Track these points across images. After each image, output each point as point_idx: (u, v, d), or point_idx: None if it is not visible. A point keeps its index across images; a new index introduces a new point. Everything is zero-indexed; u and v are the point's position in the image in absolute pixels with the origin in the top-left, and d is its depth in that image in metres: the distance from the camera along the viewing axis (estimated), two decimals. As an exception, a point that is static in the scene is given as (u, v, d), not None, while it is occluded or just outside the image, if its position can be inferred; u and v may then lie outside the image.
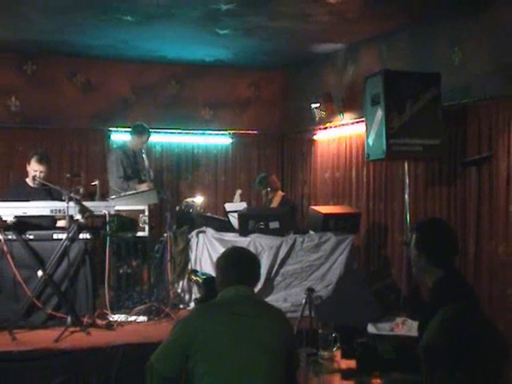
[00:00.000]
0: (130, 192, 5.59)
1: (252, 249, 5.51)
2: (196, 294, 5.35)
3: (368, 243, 6.52)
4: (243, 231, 5.66)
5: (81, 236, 5.00)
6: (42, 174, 5.27)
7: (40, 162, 5.26)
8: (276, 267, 5.56)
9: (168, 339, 2.49)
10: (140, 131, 6.15)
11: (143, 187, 5.87)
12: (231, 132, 7.98)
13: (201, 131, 7.83)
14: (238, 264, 2.59)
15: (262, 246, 5.56)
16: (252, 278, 2.62)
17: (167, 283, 5.44)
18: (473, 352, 2.00)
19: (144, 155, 6.19)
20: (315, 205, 6.91)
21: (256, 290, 5.21)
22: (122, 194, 5.52)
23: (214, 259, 5.46)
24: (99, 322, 4.86)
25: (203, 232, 5.63)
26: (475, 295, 2.50)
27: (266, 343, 2.45)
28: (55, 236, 4.94)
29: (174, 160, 7.77)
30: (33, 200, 4.95)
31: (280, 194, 6.55)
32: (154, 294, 5.41)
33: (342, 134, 7.05)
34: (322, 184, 7.43)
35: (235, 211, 5.84)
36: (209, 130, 7.89)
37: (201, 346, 2.39)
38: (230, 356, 2.39)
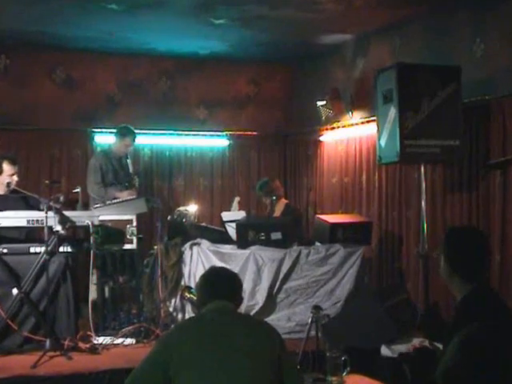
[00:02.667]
0: (117, 200, 5.60)
1: (252, 262, 5.51)
2: (190, 312, 5.35)
3: (380, 255, 6.51)
4: (242, 243, 5.65)
5: (61, 249, 5.00)
6: (16, 179, 5.26)
7: (13, 163, 5.26)
8: (278, 283, 5.55)
9: (144, 358, 2.59)
10: (123, 134, 6.18)
11: (124, 195, 5.89)
12: (228, 133, 7.99)
13: (194, 132, 7.83)
14: (215, 281, 2.76)
15: (262, 259, 5.55)
16: (232, 295, 2.75)
17: (158, 301, 5.43)
18: (499, 380, 1.96)
19: (129, 160, 6.22)
20: (322, 213, 6.90)
21: (256, 308, 5.41)
22: (108, 203, 5.53)
23: None
24: (82, 345, 4.85)
25: (198, 244, 5.62)
26: (508, 312, 2.46)
27: (248, 352, 2.54)
28: (32, 249, 4.94)
29: (165, 164, 7.77)
30: (6, 209, 4.93)
31: (283, 201, 6.55)
32: (144, 314, 5.40)
33: (350, 135, 7.05)
34: (329, 190, 7.43)
35: (233, 221, 5.84)
36: (203, 130, 7.89)
37: (180, 361, 2.49)
38: (211, 368, 2.49)
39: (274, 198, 6.45)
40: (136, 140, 6.37)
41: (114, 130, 6.41)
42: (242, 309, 4.91)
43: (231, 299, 2.73)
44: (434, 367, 2.38)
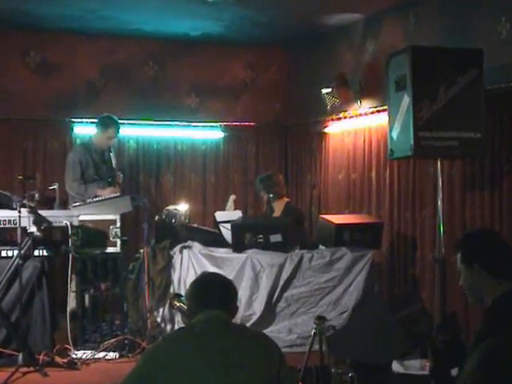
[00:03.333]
0: (99, 198, 5.61)
1: (249, 268, 5.51)
2: (180, 323, 5.35)
3: (392, 260, 6.50)
4: (238, 246, 5.65)
5: (36, 253, 4.99)
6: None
7: None
8: (278, 291, 5.56)
9: (129, 373, 2.60)
10: (105, 124, 6.19)
11: (106, 193, 5.90)
12: (222, 124, 7.98)
13: (185, 123, 7.82)
14: (207, 289, 2.77)
15: (260, 264, 5.55)
16: (226, 304, 2.75)
17: (144, 311, 5.44)
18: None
19: (112, 153, 6.23)
20: (326, 213, 6.89)
21: (254, 318, 5.41)
22: (88, 201, 5.54)
23: None
24: (59, 359, 4.85)
25: (189, 247, 5.63)
26: None
27: (243, 367, 2.55)
28: (4, 253, 4.93)
29: (153, 158, 7.76)
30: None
31: (284, 200, 6.54)
32: (128, 325, 5.41)
33: (359, 126, 7.04)
34: (335, 188, 7.42)
35: (228, 221, 5.84)
36: (195, 121, 7.88)
37: (168, 376, 2.50)
38: (199, 382, 2.51)
39: (272, 195, 6.41)
40: (120, 131, 6.36)
41: (96, 120, 6.40)
42: (238, 319, 4.91)
43: (225, 309, 2.73)
44: (460, 363, 2.39)
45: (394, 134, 5.28)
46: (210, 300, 2.72)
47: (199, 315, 2.69)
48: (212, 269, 5.40)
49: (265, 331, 4.92)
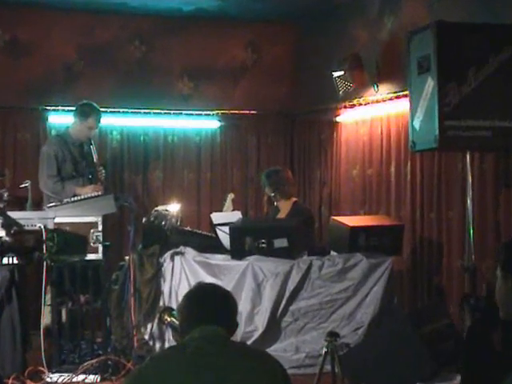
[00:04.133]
0: (78, 198, 5.61)
1: (250, 277, 5.51)
2: (171, 341, 5.34)
3: (414, 268, 6.49)
4: (237, 252, 5.65)
5: (5, 261, 4.96)
6: None
7: None
8: (284, 303, 5.55)
9: None
10: (84, 113, 6.19)
11: (86, 191, 5.90)
12: (219, 112, 7.96)
13: (177, 111, 7.81)
14: (203, 302, 2.76)
15: (263, 272, 5.54)
16: (224, 319, 2.73)
17: (130, 327, 5.43)
18: None
19: (92, 146, 6.23)
20: (339, 214, 6.86)
21: (256, 335, 5.39)
22: (66, 201, 5.53)
23: None
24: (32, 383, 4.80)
25: (181, 254, 5.64)
26: None
27: None
28: (-32, 260, 4.91)
29: (139, 152, 7.76)
30: None
31: (291, 199, 6.53)
32: (111, 343, 5.40)
33: (376, 115, 7.03)
34: (349, 185, 7.42)
35: (226, 224, 5.84)
36: (188, 109, 7.87)
37: None
38: None
39: (279, 194, 6.41)
40: (101, 121, 6.36)
41: (73, 109, 6.39)
42: (238, 336, 4.90)
43: (223, 324, 2.70)
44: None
45: (417, 123, 5.26)
46: (206, 315, 2.70)
47: (193, 332, 2.67)
48: (208, 278, 5.40)
49: (268, 350, 4.93)
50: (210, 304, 2.74)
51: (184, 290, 5.45)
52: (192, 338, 2.65)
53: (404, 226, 6.18)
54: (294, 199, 6.59)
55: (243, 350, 2.76)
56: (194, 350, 2.59)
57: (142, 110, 7.65)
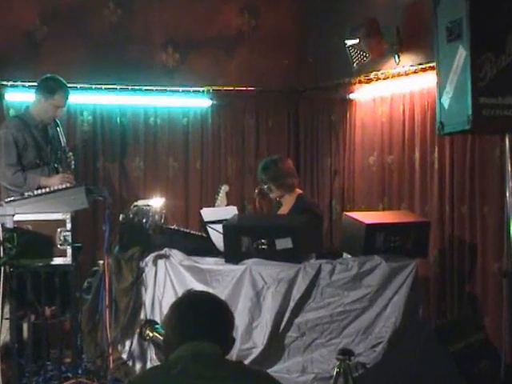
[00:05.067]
0: (42, 191, 5.59)
1: (248, 284, 5.51)
2: (154, 360, 5.35)
3: (443, 274, 6.51)
4: (232, 254, 5.66)
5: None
6: None
7: None
8: (288, 315, 5.54)
9: None
10: (49, 89, 6.19)
11: (52, 183, 5.88)
12: (211, 89, 7.95)
13: (160, 87, 7.81)
14: (192, 313, 2.76)
15: (263, 278, 5.54)
16: (218, 334, 2.74)
17: (105, 344, 5.42)
18: None
19: (59, 129, 6.21)
20: (353, 210, 6.89)
21: (255, 353, 5.38)
22: (28, 195, 5.52)
23: None
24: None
25: (165, 257, 5.65)
26: None
27: None
28: None
29: (115, 136, 7.76)
30: None
31: (295, 192, 6.53)
32: (83, 363, 5.42)
33: (396, 91, 7.06)
34: (365, 175, 7.44)
35: (219, 221, 5.84)
36: (173, 85, 7.87)
37: None
38: None
39: (266, 185, 6.40)
40: (70, 99, 6.35)
41: (36, 84, 6.38)
42: (233, 355, 4.89)
43: (216, 340, 2.71)
44: None
45: (445, 101, 5.25)
46: (197, 329, 2.71)
47: (181, 349, 2.67)
48: (198, 286, 5.39)
49: (269, 370, 4.92)
50: (202, 316, 2.74)
51: (169, 299, 5.44)
52: (179, 356, 2.65)
53: (430, 223, 6.16)
54: (299, 192, 6.57)
55: (240, 371, 2.74)
56: (181, 371, 2.59)
57: (119, 86, 7.64)
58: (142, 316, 5.50)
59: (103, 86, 7.58)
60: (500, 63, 5.03)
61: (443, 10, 5.24)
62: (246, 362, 5.23)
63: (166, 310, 5.41)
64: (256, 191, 6.60)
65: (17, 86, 7.29)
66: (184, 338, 2.70)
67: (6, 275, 5.06)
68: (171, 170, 7.91)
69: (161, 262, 5.60)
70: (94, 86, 7.52)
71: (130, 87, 7.68)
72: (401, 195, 6.98)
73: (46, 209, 5.29)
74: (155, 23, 7.87)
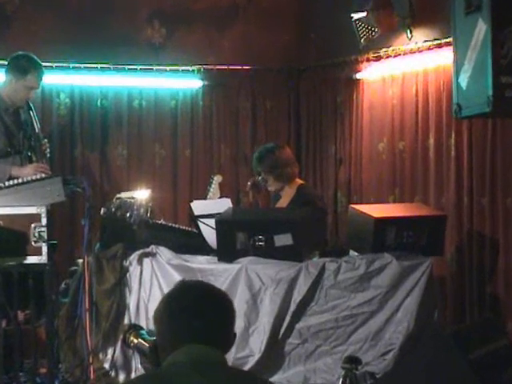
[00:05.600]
0: (14, 182, 5.58)
1: (243, 285, 5.53)
2: (139, 369, 5.37)
3: (461, 273, 6.53)
4: (226, 252, 5.67)
5: None
6: None
7: None
8: (288, 320, 5.55)
9: None
10: (21, 69, 6.18)
11: (25, 172, 5.88)
12: (202, 67, 7.94)
13: (145, 66, 7.80)
14: (189, 308, 2.63)
15: (260, 279, 5.55)
16: (219, 333, 2.65)
17: (85, 352, 5.43)
18: None
19: (33, 113, 6.21)
20: (360, 202, 6.92)
21: (251, 362, 5.38)
22: (-2, 186, 5.51)
23: None
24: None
25: (152, 255, 5.67)
26: None
27: None
28: None
29: (95, 121, 7.76)
30: None
31: (295, 183, 6.53)
32: (61, 374, 5.44)
33: (409, 69, 7.07)
34: (373, 163, 7.45)
35: (211, 215, 5.85)
36: (160, 63, 7.86)
37: None
38: None
39: (261, 177, 6.41)
40: (44, 79, 6.35)
41: (6, 63, 6.36)
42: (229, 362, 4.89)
43: (219, 341, 2.64)
44: None
45: (463, 81, 5.26)
46: (195, 328, 2.60)
47: (177, 354, 2.56)
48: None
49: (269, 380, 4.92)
50: (202, 311, 2.64)
51: (156, 302, 5.43)
52: (173, 363, 2.55)
53: (446, 216, 6.17)
54: (300, 182, 6.58)
55: (241, 378, 2.68)
56: (174, 379, 2.51)
57: (99, 65, 7.63)
58: (126, 321, 5.51)
59: (82, 65, 7.57)
60: (524, 38, 5.04)
61: (460, -21, 5.26)
62: (242, 371, 5.25)
63: (151, 314, 5.45)
64: (249, 183, 6.59)
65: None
66: (180, 340, 2.58)
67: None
68: (158, 158, 7.90)
69: (147, 261, 5.62)
70: (71, 65, 7.51)
71: (111, 66, 7.67)
72: (414, 186, 6.99)
73: (19, 202, 5.27)
74: (139, -6, 7.88)
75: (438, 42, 6.57)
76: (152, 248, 5.69)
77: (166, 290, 5.34)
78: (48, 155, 6.24)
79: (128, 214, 5.84)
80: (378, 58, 7.27)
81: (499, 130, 6.21)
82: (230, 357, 5.16)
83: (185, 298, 2.67)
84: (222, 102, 8.07)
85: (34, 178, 5.65)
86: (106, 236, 5.78)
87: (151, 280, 5.57)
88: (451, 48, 5.46)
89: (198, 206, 6.12)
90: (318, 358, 5.51)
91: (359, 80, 7.58)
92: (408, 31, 6.94)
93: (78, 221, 6.14)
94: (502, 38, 5.00)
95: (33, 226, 5.19)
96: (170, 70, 7.86)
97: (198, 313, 2.62)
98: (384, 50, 7.17)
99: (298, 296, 5.54)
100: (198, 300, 2.67)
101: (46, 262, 5.23)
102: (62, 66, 7.40)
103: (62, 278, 5.76)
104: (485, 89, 5.04)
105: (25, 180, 5.59)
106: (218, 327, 2.65)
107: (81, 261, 5.59)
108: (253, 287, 5.52)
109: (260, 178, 6.45)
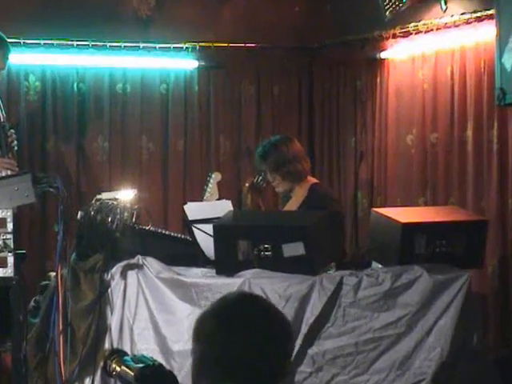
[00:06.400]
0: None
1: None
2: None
3: (504, 289, 6.56)
4: (226, 264, 5.67)
5: None
6: None
7: None
8: (299, 343, 5.51)
9: None
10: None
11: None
12: (198, 45, 7.96)
13: (130, 44, 7.82)
14: (238, 337, 2.60)
15: (266, 295, 5.49)
16: (272, 369, 2.62)
17: (57, 382, 5.37)
18: None
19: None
20: (385, 205, 6.96)
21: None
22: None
23: (162, 325, 5.47)
24: None
25: (138, 267, 5.66)
26: None
27: None
28: None
29: (71, 107, 7.79)
30: None
31: (307, 182, 6.52)
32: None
33: (443, 47, 7.08)
34: (400, 159, 7.48)
35: (208, 220, 5.85)
36: (149, 41, 7.89)
37: None
38: None
39: (262, 177, 6.42)
40: (11, 58, 6.38)
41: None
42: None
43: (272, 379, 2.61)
44: None
45: (508, 61, 5.29)
46: (246, 364, 2.57)
47: None
48: (181, 305, 5.42)
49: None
50: (255, 342, 2.60)
51: (143, 323, 5.50)
52: None
53: (488, 222, 6.15)
54: (313, 181, 6.58)
55: None
56: None
57: (75, 42, 7.66)
58: (107, 345, 5.49)
59: (55, 42, 7.61)
60: None
61: None
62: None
63: (137, 337, 5.44)
64: (246, 185, 6.58)
65: None
66: (218, 377, 2.58)
67: None
68: (145, 152, 7.93)
69: (132, 274, 5.60)
70: (43, 42, 7.55)
71: (90, 43, 7.70)
72: (448, 186, 7.01)
73: (-21, 204, 5.29)
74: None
75: (478, 14, 6.58)
76: (138, 259, 5.67)
77: (155, 308, 5.40)
78: (15, 148, 6.23)
79: (110, 219, 5.81)
80: (407, 34, 7.30)
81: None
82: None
83: (230, 316, 2.67)
84: (221, 86, 8.10)
85: (-1, 175, 5.68)
86: (83, 245, 5.76)
87: (137, 297, 5.55)
88: (493, 22, 5.46)
89: (193, 209, 6.13)
90: (334, 388, 5.54)
91: (384, 60, 7.61)
92: (442, 2, 6.96)
93: (51, 227, 6.16)
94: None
95: (-4, 233, 5.20)
96: (160, 48, 7.89)
97: (247, 338, 2.61)
98: (413, 24, 7.20)
99: (310, 316, 5.52)
100: (248, 319, 2.66)
101: (12, 275, 5.22)
102: (32, 43, 7.44)
103: (32, 295, 5.75)
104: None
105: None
106: (272, 358, 2.63)
107: (53, 274, 5.57)
108: (258, 306, 5.52)
109: (260, 178, 6.44)
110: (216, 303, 2.72)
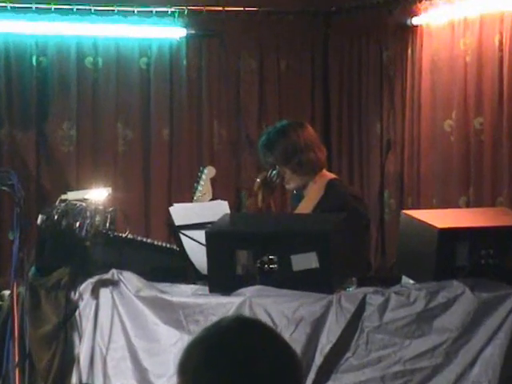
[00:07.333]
0: None
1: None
2: None
3: None
4: (221, 279, 5.68)
5: None
6: None
7: None
8: (312, 376, 5.51)
9: None
10: None
11: None
12: (186, 9, 7.97)
13: (104, 7, 7.86)
14: (232, 374, 2.61)
15: (271, 318, 5.54)
16: None
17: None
18: None
19: None
20: (417, 206, 7.00)
21: None
22: None
23: (142, 355, 5.47)
24: None
25: (113, 284, 5.67)
26: None
27: None
28: None
29: (31, 86, 7.83)
30: None
31: (324, 177, 6.50)
32: None
33: (489, 12, 7.10)
34: (438, 150, 7.49)
35: (199, 225, 5.88)
36: (126, 4, 7.93)
37: None
38: None
39: (274, 171, 6.43)
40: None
41: None
42: None
43: None
44: None
45: None
46: None
47: None
48: (165, 330, 5.44)
49: None
50: (258, 378, 2.62)
51: (119, 353, 5.52)
52: None
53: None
54: (330, 176, 6.57)
55: None
56: None
57: (34, 5, 7.69)
58: (75, 380, 5.51)
59: (8, 5, 7.62)
60: None
61: None
62: None
63: (112, 370, 5.44)
64: (258, 181, 6.55)
65: None
66: None
67: None
68: (122, 141, 7.97)
69: (105, 292, 5.61)
70: (2, 5, 7.57)
71: (52, 7, 7.72)
72: (496, 182, 7.03)
73: None
74: None
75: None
76: (113, 273, 5.68)
77: (133, 333, 5.40)
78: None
79: (78, 224, 5.83)
80: (443, -2, 7.29)
81: None
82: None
83: (230, 344, 2.67)
84: (215, 59, 8.12)
85: None
86: (45, 256, 5.79)
87: (112, 320, 5.56)
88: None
89: (181, 212, 6.14)
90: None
91: (416, 27, 7.64)
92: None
93: (5, 234, 6.18)
94: None
95: None
96: (139, 13, 7.89)
97: (249, 372, 2.61)
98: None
99: (326, 343, 5.52)
100: (250, 361, 2.65)
101: (-42, 293, 5.27)
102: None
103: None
104: None
105: None
106: None
107: (7, 292, 5.58)
108: (262, 330, 5.51)
109: (274, 172, 6.41)
110: (208, 329, 2.70)
